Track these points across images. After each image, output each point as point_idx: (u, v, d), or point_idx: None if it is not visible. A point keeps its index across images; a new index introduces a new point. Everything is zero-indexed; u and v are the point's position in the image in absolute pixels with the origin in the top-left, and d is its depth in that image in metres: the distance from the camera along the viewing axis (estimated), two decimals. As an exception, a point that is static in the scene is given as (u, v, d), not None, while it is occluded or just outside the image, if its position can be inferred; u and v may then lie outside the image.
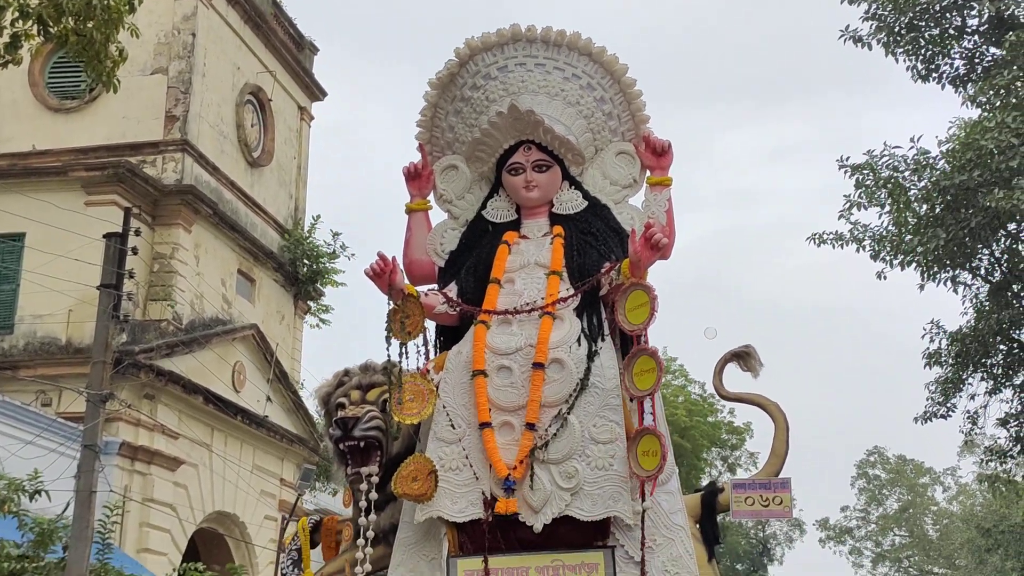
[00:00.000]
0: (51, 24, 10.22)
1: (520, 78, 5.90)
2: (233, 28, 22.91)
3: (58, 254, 18.40)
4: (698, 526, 7.16)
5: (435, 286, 6.20)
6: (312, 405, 24.04)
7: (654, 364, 5.47)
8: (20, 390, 18.07)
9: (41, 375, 18.62)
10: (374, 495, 5.88)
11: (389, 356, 5.71)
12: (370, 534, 5.76)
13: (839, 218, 20.73)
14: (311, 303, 25.42)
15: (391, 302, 5.62)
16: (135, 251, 15.77)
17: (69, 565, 13.54)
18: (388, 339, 5.68)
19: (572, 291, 5.73)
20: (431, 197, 6.20)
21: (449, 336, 6.09)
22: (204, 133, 21.51)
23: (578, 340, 5.66)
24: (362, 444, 6.17)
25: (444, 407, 5.77)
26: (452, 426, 5.77)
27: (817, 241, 21.00)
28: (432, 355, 5.97)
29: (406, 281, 5.80)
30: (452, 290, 5.98)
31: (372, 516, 5.81)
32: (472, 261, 5.99)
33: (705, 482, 35.30)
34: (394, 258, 5.66)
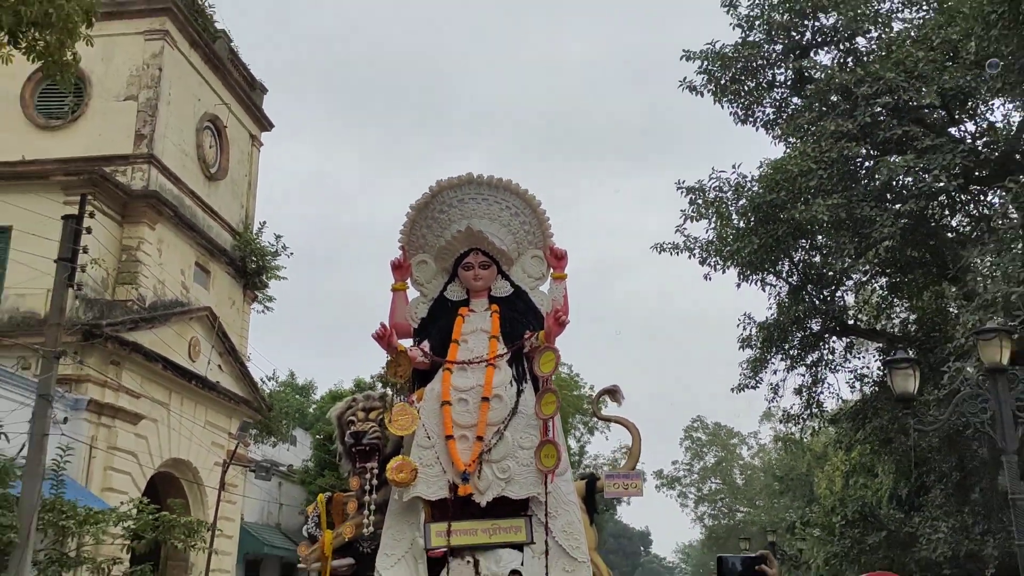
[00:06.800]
0: (19, 37, 9.89)
1: (472, 208, 7.76)
2: (195, 66, 23.70)
3: (39, 247, 18.70)
4: (583, 502, 9.21)
5: (411, 341, 8.06)
6: (256, 373, 25.40)
7: (555, 398, 7.47)
8: (5, 356, 18.69)
9: (20, 343, 18.93)
10: (375, 481, 7.75)
11: (386, 391, 7.60)
12: (373, 507, 7.62)
13: (675, 232, 22.75)
14: (257, 292, 26.57)
15: (389, 355, 7.46)
16: (89, 231, 15.99)
17: (22, 497, 13.81)
18: (385, 380, 7.53)
19: (506, 350, 7.66)
20: (409, 281, 8.06)
21: (424, 377, 7.98)
22: (168, 150, 22.26)
23: (511, 382, 7.58)
24: (367, 448, 8.02)
25: (423, 425, 7.63)
26: (428, 437, 7.64)
27: (658, 250, 23.02)
28: (415, 390, 7.86)
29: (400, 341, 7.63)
30: (426, 346, 7.84)
31: (374, 495, 7.67)
32: (438, 327, 7.86)
33: (571, 442, 38.23)
34: (392, 326, 7.53)
